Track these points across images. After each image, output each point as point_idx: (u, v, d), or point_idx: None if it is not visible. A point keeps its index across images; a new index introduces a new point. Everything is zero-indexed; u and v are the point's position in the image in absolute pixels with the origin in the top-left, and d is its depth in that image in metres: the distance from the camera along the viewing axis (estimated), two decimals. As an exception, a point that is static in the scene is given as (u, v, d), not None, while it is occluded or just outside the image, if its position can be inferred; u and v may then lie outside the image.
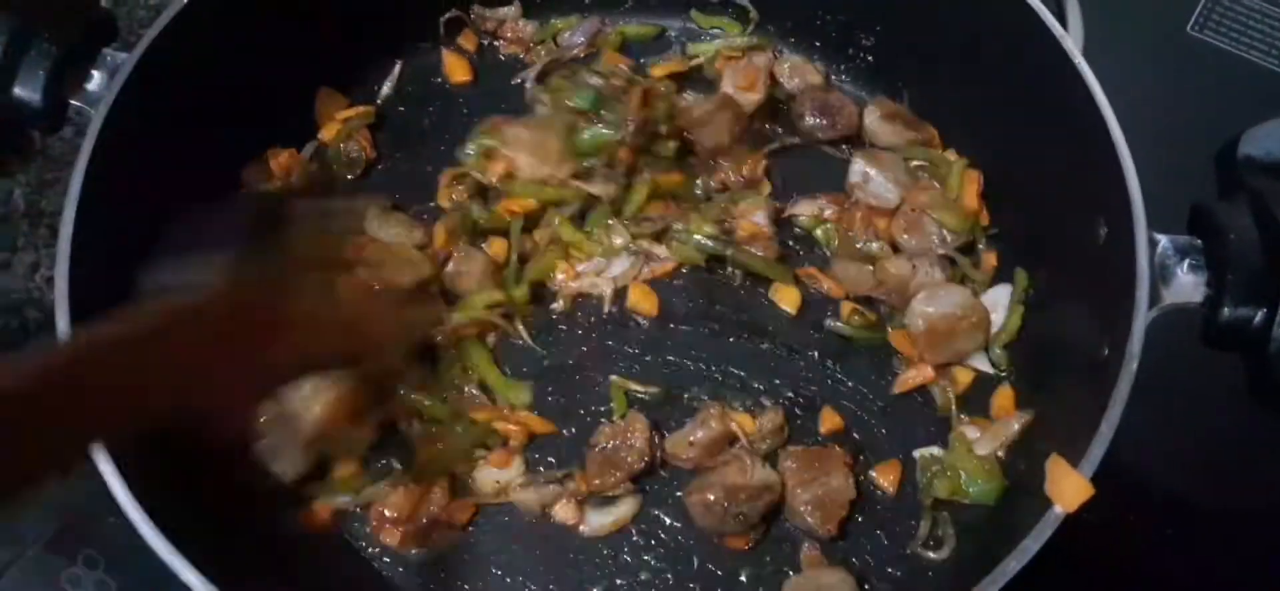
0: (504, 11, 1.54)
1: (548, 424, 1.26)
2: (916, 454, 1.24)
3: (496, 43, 1.54)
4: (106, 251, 1.11)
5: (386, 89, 1.50)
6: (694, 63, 1.51)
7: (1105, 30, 1.61)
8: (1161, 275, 1.07)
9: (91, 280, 1.09)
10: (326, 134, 1.43)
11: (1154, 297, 1.06)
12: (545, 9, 1.55)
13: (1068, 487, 0.99)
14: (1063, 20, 1.63)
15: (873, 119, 1.45)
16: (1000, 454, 1.20)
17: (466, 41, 1.53)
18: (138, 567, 0.98)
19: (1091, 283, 1.15)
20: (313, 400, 1.16)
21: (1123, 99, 1.14)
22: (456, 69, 1.51)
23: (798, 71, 1.50)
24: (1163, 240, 1.09)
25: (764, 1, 1.53)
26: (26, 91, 1.14)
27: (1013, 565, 0.96)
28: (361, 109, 1.45)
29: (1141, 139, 1.12)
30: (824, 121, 1.45)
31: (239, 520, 1.09)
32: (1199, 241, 1.08)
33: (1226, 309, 1.04)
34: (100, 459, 0.97)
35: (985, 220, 1.37)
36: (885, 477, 1.24)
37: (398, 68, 1.51)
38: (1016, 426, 1.20)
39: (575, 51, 1.52)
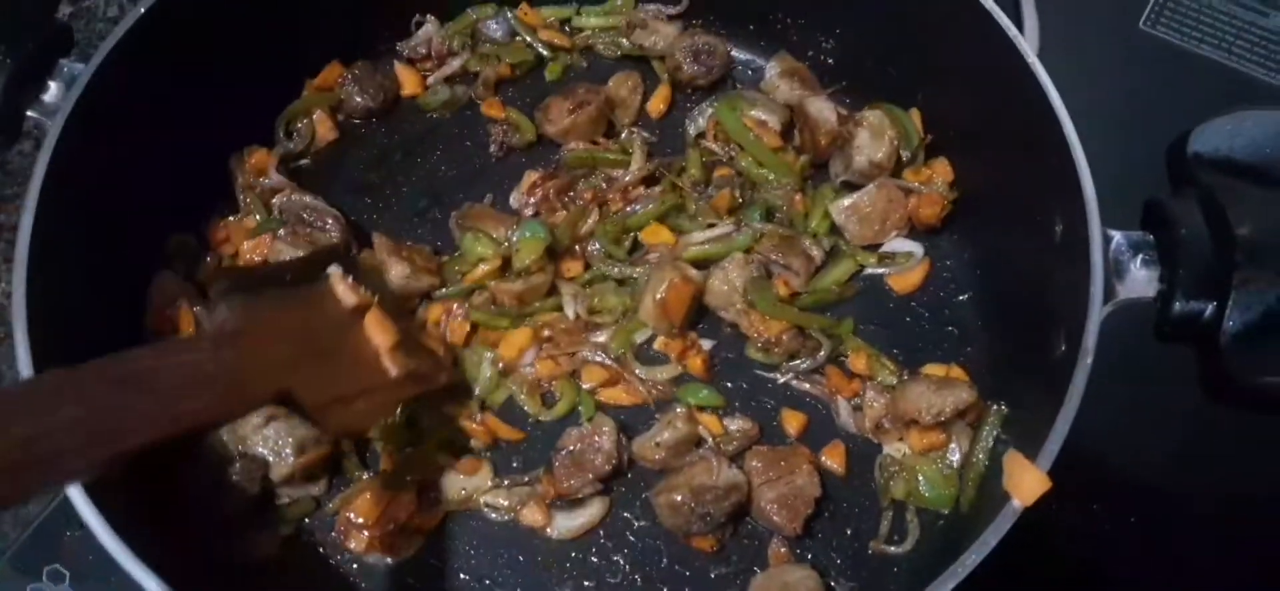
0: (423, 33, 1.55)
1: (515, 430, 1.27)
2: (878, 456, 1.26)
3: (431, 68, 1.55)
4: (65, 263, 1.11)
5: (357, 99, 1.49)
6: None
7: (1060, 27, 1.64)
8: (1116, 270, 1.10)
9: (50, 293, 1.08)
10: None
11: (1109, 293, 1.08)
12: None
13: (1025, 482, 1.01)
14: (1018, 19, 1.66)
15: (773, 73, 1.50)
16: (955, 461, 1.22)
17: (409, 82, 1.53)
18: (103, 580, 0.98)
19: (1048, 280, 1.17)
20: (284, 448, 1.18)
21: (1077, 97, 1.17)
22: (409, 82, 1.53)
23: (655, 30, 1.54)
24: (1117, 236, 1.11)
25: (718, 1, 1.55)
26: (-16, 102, 1.13)
27: (972, 558, 0.97)
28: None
29: (1095, 136, 1.15)
30: (700, 68, 1.50)
31: (204, 536, 1.09)
32: (1151, 237, 1.11)
33: (1178, 303, 1.06)
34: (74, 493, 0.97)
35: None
36: (833, 459, 1.26)
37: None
38: (967, 443, 1.21)
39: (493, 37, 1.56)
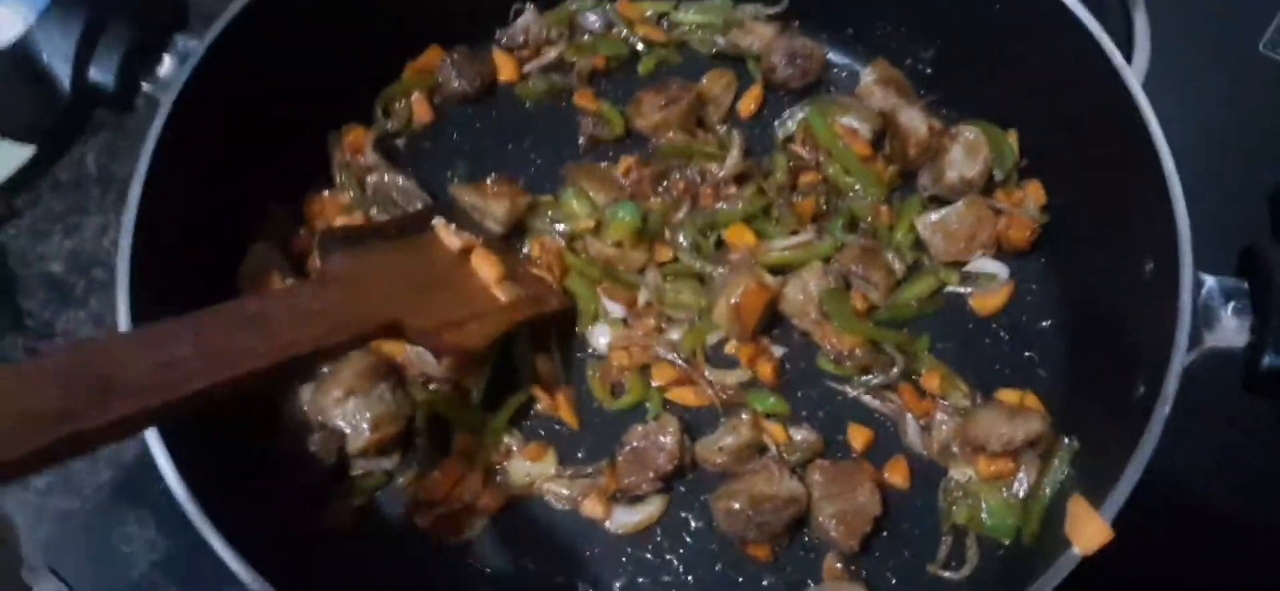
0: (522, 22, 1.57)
1: (574, 415, 1.30)
2: (942, 479, 1.24)
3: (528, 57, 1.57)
4: (169, 225, 1.17)
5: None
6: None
7: (1173, 46, 1.58)
8: (1205, 317, 1.06)
9: (153, 250, 1.15)
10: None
11: (1195, 339, 1.05)
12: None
13: (1087, 530, 0.99)
14: (1130, 35, 1.60)
15: (868, 79, 1.48)
16: (1020, 492, 1.19)
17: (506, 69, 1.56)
18: (187, 532, 1.04)
19: (1134, 318, 1.14)
20: (361, 421, 1.22)
21: (1184, 125, 1.14)
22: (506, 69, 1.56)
23: (752, 30, 1.53)
24: (1209, 281, 1.07)
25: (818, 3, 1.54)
26: (101, 75, 1.20)
27: (1026, 603, 0.96)
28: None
29: (1198, 171, 1.11)
30: (795, 71, 1.49)
31: (280, 502, 1.15)
32: (1246, 284, 1.07)
33: (1269, 357, 1.02)
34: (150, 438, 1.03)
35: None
36: (896, 477, 1.25)
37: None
38: (1035, 474, 1.19)
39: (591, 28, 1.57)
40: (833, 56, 1.55)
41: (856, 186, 1.41)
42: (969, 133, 1.39)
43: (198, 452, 1.04)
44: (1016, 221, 1.35)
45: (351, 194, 1.42)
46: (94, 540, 1.34)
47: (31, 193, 1.60)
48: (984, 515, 1.19)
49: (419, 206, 1.39)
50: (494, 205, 1.39)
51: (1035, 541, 1.13)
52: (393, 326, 1.08)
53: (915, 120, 1.40)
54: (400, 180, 1.41)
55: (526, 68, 1.56)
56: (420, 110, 1.51)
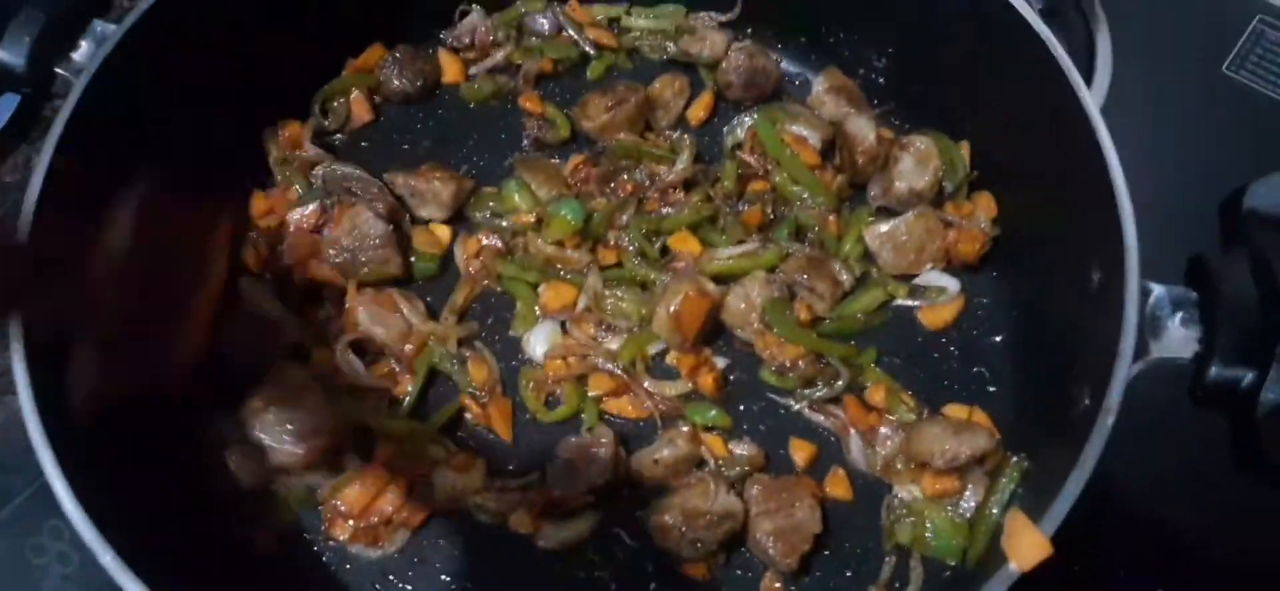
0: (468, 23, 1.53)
1: (507, 426, 1.24)
2: (886, 497, 1.20)
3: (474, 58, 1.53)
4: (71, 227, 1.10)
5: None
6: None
7: (1137, 64, 1.55)
8: (1151, 327, 1.03)
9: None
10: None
11: (1141, 349, 1.01)
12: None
13: (1026, 544, 0.94)
14: (1092, 50, 1.57)
15: (820, 88, 1.44)
16: (966, 511, 1.15)
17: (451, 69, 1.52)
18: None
19: (1081, 329, 1.10)
20: (286, 438, 1.16)
21: (1141, 141, 1.12)
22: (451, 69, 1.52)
23: (704, 38, 1.49)
24: (1157, 290, 1.04)
25: (767, 6, 1.51)
26: (10, 55, 1.15)
27: (961, 623, 0.91)
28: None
29: (1154, 184, 1.10)
30: (751, 94, 1.47)
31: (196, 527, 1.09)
32: (1194, 294, 1.03)
33: (1215, 367, 0.99)
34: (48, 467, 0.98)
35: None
36: (837, 490, 1.21)
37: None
38: (982, 492, 1.14)
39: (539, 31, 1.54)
40: (785, 65, 1.51)
41: (804, 195, 1.38)
42: (919, 142, 1.36)
43: (99, 476, 0.98)
44: (967, 234, 1.32)
45: (299, 188, 1.38)
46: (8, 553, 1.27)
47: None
48: (929, 534, 1.14)
49: (376, 193, 1.34)
50: (439, 187, 1.35)
51: (979, 564, 1.08)
52: None
53: (864, 128, 1.37)
54: (351, 169, 1.36)
55: (472, 69, 1.52)
56: (359, 108, 1.47)
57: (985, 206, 1.34)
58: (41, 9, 1.16)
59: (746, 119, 1.44)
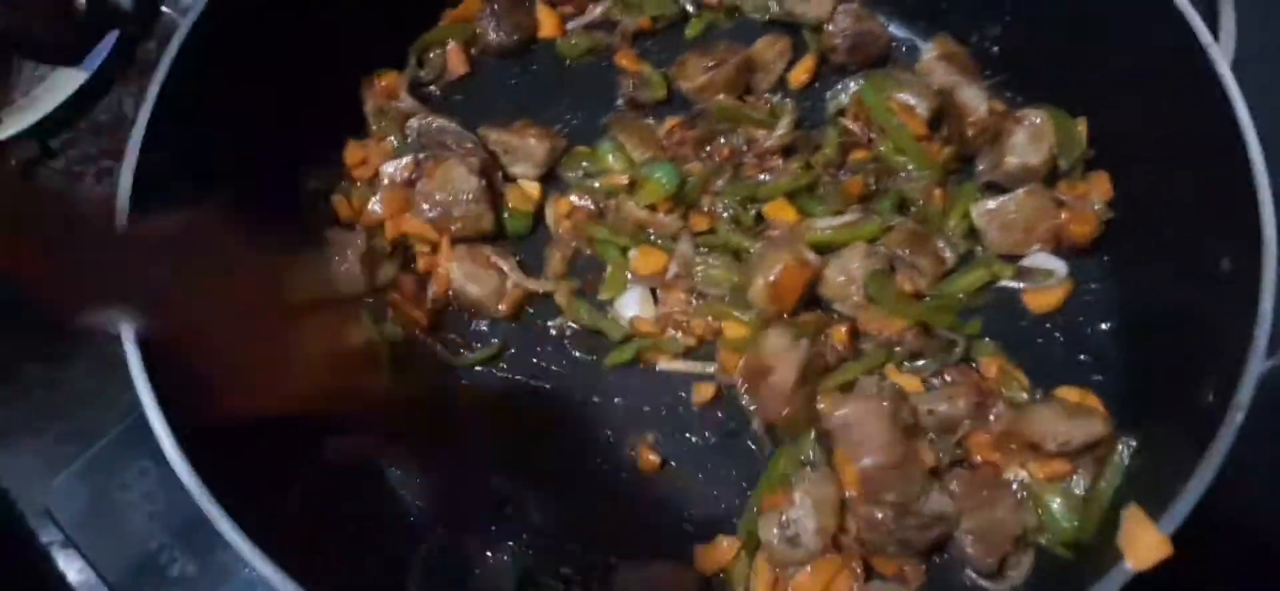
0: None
1: None
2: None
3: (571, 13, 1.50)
4: (175, 167, 1.11)
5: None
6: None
7: (1262, 30, 1.44)
8: (1287, 321, 0.96)
9: (157, 193, 1.08)
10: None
11: (1276, 343, 0.94)
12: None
13: (1143, 543, 0.90)
14: (1214, 17, 1.48)
15: (929, 55, 1.39)
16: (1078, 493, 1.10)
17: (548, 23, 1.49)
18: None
19: (1205, 320, 1.04)
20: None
21: (1272, 115, 1.02)
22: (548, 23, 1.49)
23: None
24: (1296, 275, 0.97)
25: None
26: (119, -8, 1.15)
27: (1071, 621, 0.87)
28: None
29: None
30: (856, 59, 1.42)
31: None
32: (1338, 283, 0.96)
33: (1358, 366, 0.92)
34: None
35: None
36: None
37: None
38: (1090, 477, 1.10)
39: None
40: (894, 29, 1.46)
41: (909, 166, 1.33)
42: (1034, 117, 1.29)
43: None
44: (1079, 215, 1.26)
45: (393, 140, 1.37)
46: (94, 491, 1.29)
47: (70, 133, 1.56)
48: (1042, 517, 1.10)
49: (472, 147, 1.33)
50: (533, 144, 1.33)
51: (1088, 549, 1.04)
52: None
53: (975, 99, 1.31)
54: (446, 122, 1.35)
55: (569, 24, 1.50)
56: (455, 61, 1.45)
57: (1100, 188, 1.27)
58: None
59: (851, 84, 1.39)
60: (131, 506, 1.27)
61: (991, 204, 1.27)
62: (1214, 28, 1.40)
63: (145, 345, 0.98)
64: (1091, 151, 1.30)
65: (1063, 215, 1.27)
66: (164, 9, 1.17)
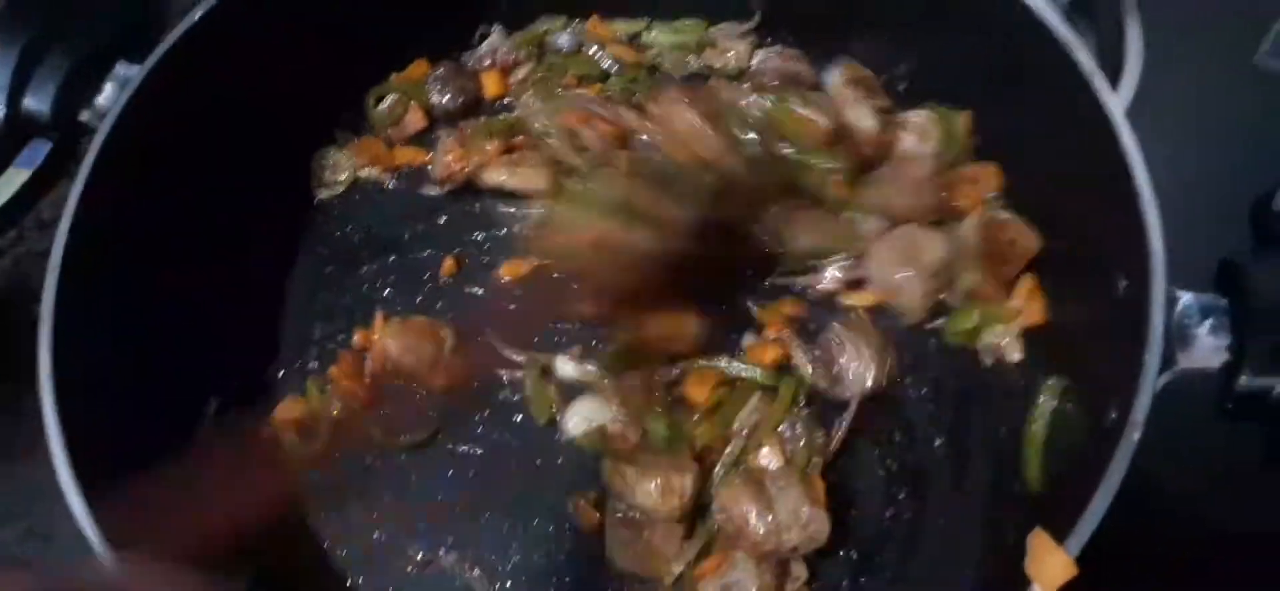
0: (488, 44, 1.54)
1: None
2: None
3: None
4: (102, 268, 1.13)
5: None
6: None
7: (1168, 54, 1.51)
8: (1180, 336, 1.00)
9: (82, 293, 1.11)
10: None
11: (1168, 360, 0.99)
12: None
13: (1049, 565, 0.93)
14: (1121, 46, 1.53)
15: (836, 82, 1.42)
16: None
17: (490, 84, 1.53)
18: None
19: (1106, 342, 1.08)
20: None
21: (1172, 135, 1.08)
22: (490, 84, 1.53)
23: (726, 50, 1.50)
24: (1185, 298, 1.02)
25: (787, 15, 1.50)
26: (36, 103, 1.18)
27: (983, 650, 0.90)
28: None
29: (1184, 182, 1.05)
30: None
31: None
32: (1224, 301, 1.01)
33: (1244, 376, 0.96)
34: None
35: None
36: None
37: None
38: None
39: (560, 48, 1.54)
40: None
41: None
42: (917, 116, 1.35)
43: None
44: (965, 190, 1.31)
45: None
46: None
47: (15, 231, 1.57)
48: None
49: None
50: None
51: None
52: None
53: (865, 117, 1.35)
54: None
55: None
56: (414, 117, 1.49)
57: (988, 178, 1.32)
58: (67, 55, 1.18)
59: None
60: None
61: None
62: (1118, 71, 1.46)
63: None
64: (977, 139, 1.34)
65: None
66: (81, 117, 1.18)
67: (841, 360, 1.24)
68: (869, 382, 1.23)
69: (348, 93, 1.48)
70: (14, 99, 1.17)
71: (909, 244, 1.27)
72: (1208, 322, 1.00)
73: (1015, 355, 1.23)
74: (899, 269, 1.27)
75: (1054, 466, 1.12)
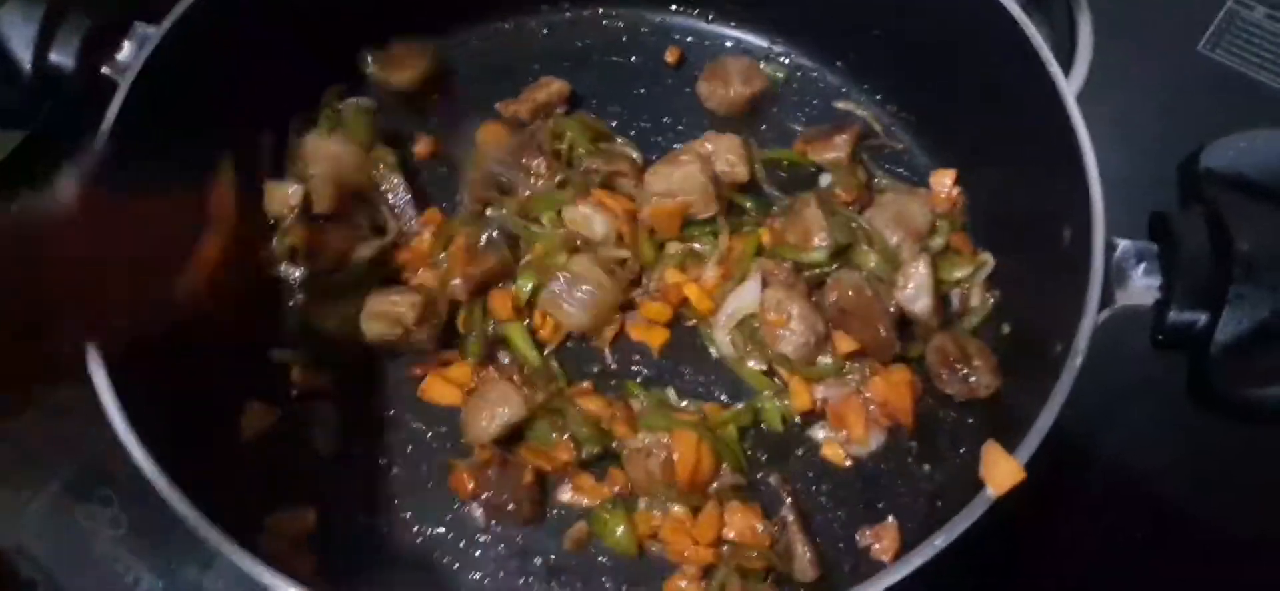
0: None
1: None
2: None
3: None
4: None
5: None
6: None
7: (1116, 43, 1.62)
8: (1117, 277, 1.12)
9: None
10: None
11: (1107, 298, 1.10)
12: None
13: (1000, 471, 1.04)
14: (1073, 33, 1.65)
15: None
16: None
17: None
18: (148, 505, 1.07)
19: (1054, 285, 1.19)
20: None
21: (1118, 114, 1.23)
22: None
23: None
24: (1122, 244, 1.13)
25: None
26: (61, 57, 1.24)
27: (940, 540, 1.01)
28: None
29: (1127, 150, 1.18)
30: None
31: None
32: (1155, 247, 1.12)
33: (1173, 312, 1.08)
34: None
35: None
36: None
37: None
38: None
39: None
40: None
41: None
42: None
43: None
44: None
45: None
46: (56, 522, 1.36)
47: (12, 191, 1.61)
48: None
49: None
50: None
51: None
52: None
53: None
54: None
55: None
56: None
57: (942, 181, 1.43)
58: (88, 12, 1.25)
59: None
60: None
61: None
62: (1071, 53, 1.58)
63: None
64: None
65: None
66: (103, 70, 1.25)
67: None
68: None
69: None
70: (41, 53, 1.23)
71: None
72: (1142, 266, 1.11)
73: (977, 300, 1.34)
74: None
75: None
